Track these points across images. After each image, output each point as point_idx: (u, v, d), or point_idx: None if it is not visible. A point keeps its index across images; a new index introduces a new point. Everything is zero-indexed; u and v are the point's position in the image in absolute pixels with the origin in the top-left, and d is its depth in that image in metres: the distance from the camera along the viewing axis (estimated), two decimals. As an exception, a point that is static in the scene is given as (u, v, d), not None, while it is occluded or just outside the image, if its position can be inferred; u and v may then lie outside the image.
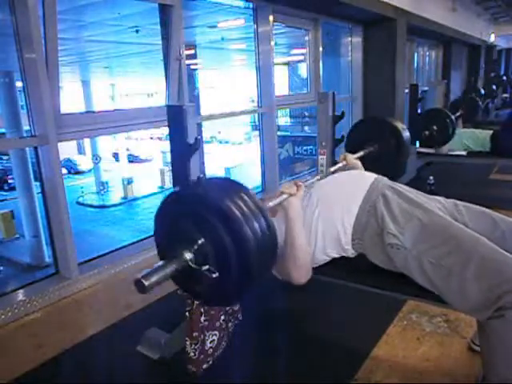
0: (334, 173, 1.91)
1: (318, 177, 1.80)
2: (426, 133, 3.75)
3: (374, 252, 1.41)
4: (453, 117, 3.88)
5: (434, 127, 3.74)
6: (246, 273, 1.02)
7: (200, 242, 1.03)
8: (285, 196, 1.47)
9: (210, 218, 1.00)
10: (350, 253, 1.48)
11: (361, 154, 2.28)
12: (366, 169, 2.03)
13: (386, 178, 1.57)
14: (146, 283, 0.95)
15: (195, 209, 1.04)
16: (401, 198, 1.42)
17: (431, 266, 1.25)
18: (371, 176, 1.56)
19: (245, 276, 1.02)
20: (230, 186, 1.09)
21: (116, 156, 20.85)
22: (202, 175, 1.64)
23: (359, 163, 2.05)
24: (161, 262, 1.01)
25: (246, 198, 1.03)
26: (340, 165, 2.06)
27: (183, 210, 1.07)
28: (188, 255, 1.02)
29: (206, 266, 1.01)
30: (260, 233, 1.00)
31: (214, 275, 1.00)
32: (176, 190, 1.13)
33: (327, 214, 1.49)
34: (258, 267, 1.04)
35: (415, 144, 4.00)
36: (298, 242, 1.43)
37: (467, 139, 3.92)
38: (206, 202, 1.03)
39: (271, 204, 1.43)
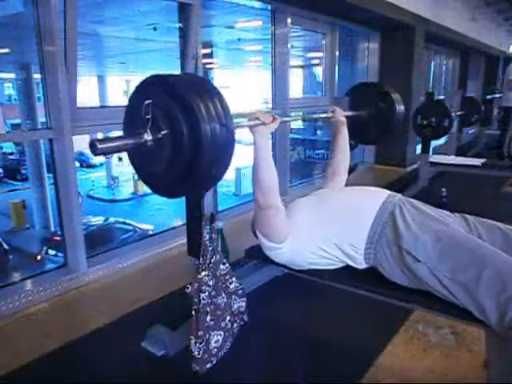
0: (316, 120, 1.94)
1: None
2: (424, 122, 3.62)
3: (387, 265, 1.39)
4: (453, 114, 3.77)
5: (433, 119, 3.61)
6: (196, 169, 1.12)
7: (164, 132, 1.12)
8: (257, 122, 1.46)
9: (175, 112, 1.10)
10: (359, 263, 1.47)
11: (350, 113, 2.23)
12: (349, 129, 2.03)
13: (400, 194, 1.56)
14: (99, 146, 1.05)
15: (166, 100, 1.11)
16: (416, 212, 1.40)
17: (448, 280, 1.23)
18: (385, 191, 1.56)
19: (195, 171, 1.13)
20: (205, 87, 1.16)
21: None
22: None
23: (345, 121, 2.03)
24: (120, 135, 1.14)
25: (216, 101, 1.12)
26: (325, 115, 2.05)
27: (156, 97, 1.13)
28: (147, 136, 1.13)
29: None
30: (219, 134, 1.11)
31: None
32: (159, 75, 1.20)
33: (340, 222, 1.48)
34: (209, 164, 1.14)
35: (428, 152, 3.96)
36: (262, 173, 1.45)
37: None
38: (178, 97, 1.10)
39: (242, 124, 1.45)
